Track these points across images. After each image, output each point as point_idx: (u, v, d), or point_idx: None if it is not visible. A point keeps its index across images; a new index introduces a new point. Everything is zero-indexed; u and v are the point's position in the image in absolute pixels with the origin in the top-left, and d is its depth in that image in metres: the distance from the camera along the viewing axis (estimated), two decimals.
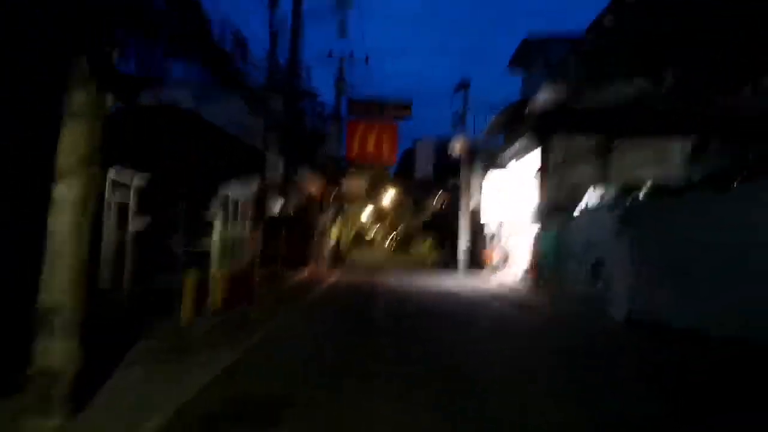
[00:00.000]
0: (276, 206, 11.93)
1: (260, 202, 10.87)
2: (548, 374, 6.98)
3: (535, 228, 22.03)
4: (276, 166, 10.94)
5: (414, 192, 46.19)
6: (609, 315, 11.64)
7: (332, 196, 24.98)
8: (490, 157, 25.50)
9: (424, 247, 50.78)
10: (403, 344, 8.50)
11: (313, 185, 19.78)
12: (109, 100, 4.37)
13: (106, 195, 7.36)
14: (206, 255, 9.89)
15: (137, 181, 8.31)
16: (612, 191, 13.38)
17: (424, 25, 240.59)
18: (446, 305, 13.88)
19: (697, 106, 13.04)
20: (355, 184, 25.78)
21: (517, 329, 10.91)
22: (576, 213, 14.85)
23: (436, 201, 38.18)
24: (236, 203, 10.91)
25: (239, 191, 10.89)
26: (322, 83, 23.13)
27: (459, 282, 22.40)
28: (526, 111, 18.72)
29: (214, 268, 9.90)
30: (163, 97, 9.51)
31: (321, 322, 10.35)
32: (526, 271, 20.23)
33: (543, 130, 18.81)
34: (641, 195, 12.25)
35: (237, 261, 11.02)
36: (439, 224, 36.36)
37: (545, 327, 11.37)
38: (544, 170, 19.14)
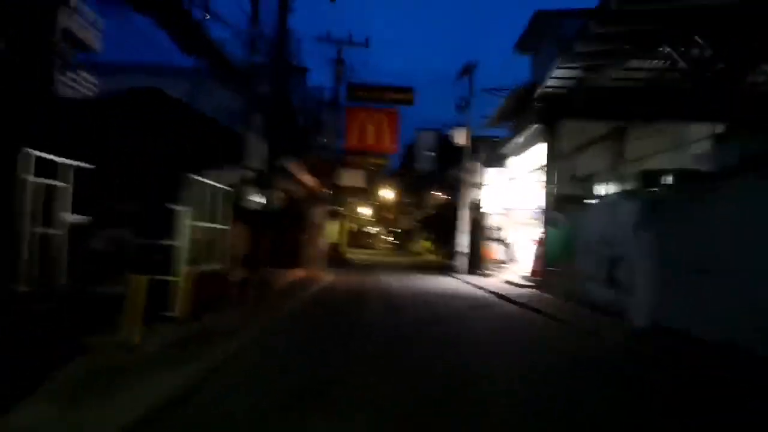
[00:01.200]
0: (260, 198, 10.55)
1: (241, 194, 9.53)
2: (574, 410, 5.67)
3: (542, 222, 20.76)
4: (259, 153, 9.58)
5: (414, 187, 44.84)
6: (629, 321, 10.32)
7: (329, 189, 23.63)
8: (495, 148, 24.14)
9: (424, 245, 49.54)
10: (395, 369, 7.18)
11: (306, 177, 18.42)
12: None
13: (28, 180, 6.03)
14: (172, 253, 8.58)
15: (70, 166, 6.98)
16: (630, 179, 12.06)
17: (426, 8, 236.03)
18: (447, 314, 12.54)
19: (725, 85, 11.67)
20: (353, 177, 24.38)
21: (527, 341, 9.58)
22: (592, 202, 13.51)
23: (439, 194, 36.80)
24: (213, 195, 9.57)
25: (216, 181, 9.56)
26: (319, 72, 21.69)
27: (459, 282, 21.07)
28: (535, 95, 17.36)
29: (182, 269, 8.58)
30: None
31: (302, 336, 8.96)
32: (532, 270, 18.88)
33: (552, 114, 17.46)
34: (665, 182, 10.93)
35: (211, 260, 9.70)
36: (440, 220, 35.00)
37: (559, 338, 10.02)
38: (552, 159, 17.79)
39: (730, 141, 10.38)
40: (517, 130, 21.96)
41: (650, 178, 11.51)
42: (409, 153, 45.36)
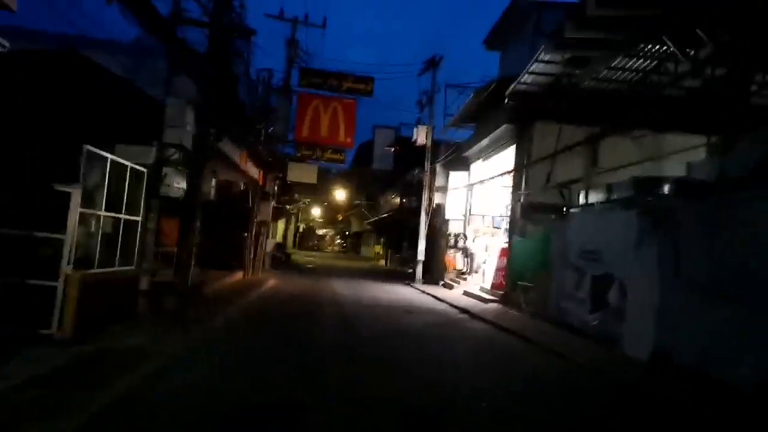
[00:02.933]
0: (180, 183, 8.43)
1: (162, 178, 7.43)
2: None
3: (507, 231, 19.38)
4: (182, 124, 7.51)
5: (368, 189, 43.04)
6: (620, 350, 8.83)
7: (276, 184, 21.42)
8: (458, 151, 22.61)
9: (376, 250, 47.81)
10: (347, 412, 5.33)
11: (251, 168, 16.29)
12: None
13: None
14: (55, 250, 6.43)
15: None
16: (623, 186, 10.63)
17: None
18: (409, 332, 10.74)
19: (727, 90, 10.41)
20: (304, 171, 22.19)
21: (509, 373, 7.89)
22: (572, 211, 12.05)
23: (395, 197, 35.13)
24: (119, 176, 7.44)
25: (124, 158, 7.43)
26: (268, 57, 19.48)
27: (417, 293, 19.38)
28: (507, 92, 15.87)
29: (67, 269, 6.44)
30: None
31: (229, 362, 6.95)
32: (494, 282, 17.38)
33: (524, 114, 16.03)
34: (667, 191, 9.52)
35: (115, 260, 7.55)
36: (396, 224, 33.34)
37: (545, 369, 8.38)
38: (522, 163, 16.34)
39: (738, 149, 9.07)
40: (482, 132, 20.49)
41: (644, 186, 10.09)
42: (363, 153, 43.54)
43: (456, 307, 15.17)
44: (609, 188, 11.25)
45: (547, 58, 13.30)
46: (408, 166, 29.78)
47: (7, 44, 16.78)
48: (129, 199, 7.75)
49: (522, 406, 5.97)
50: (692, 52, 10.71)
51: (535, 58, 13.61)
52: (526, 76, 14.58)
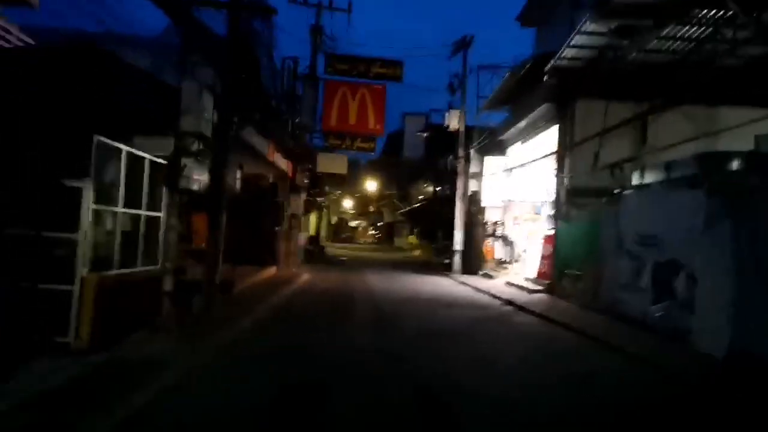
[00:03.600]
0: (202, 175, 7.82)
1: (175, 168, 6.83)
2: None
3: (552, 217, 18.44)
4: (200, 110, 6.90)
5: (400, 178, 42.27)
6: (691, 347, 7.92)
7: (306, 176, 20.83)
8: (493, 135, 21.65)
9: (410, 241, 47.09)
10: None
11: (280, 159, 15.74)
12: None
13: None
14: (70, 251, 5.91)
15: None
16: (685, 164, 9.64)
17: None
18: (454, 329, 9.99)
19: None
20: (334, 162, 21.52)
21: (561, 374, 7.09)
22: (626, 193, 11.07)
23: (427, 186, 34.31)
24: (136, 169, 6.89)
25: (142, 150, 6.89)
26: (291, 44, 18.80)
27: (456, 284, 18.60)
28: (546, 68, 14.87)
29: (82, 271, 5.91)
30: None
31: (251, 376, 6.27)
32: (539, 271, 16.48)
33: (566, 91, 15.02)
34: (738, 166, 8.52)
35: (136, 261, 7.03)
36: (430, 214, 32.53)
37: (602, 370, 7.55)
38: (565, 145, 15.35)
39: None
40: (518, 114, 19.49)
41: (711, 162, 9.09)
42: (392, 142, 42.71)
43: (499, 298, 14.35)
44: (668, 167, 10.26)
45: (591, 28, 12.29)
46: (440, 153, 28.90)
47: (31, 42, 16.39)
48: (149, 194, 7.21)
49: (594, 417, 5.20)
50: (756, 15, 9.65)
51: (578, 29, 12.61)
52: (568, 50, 13.58)
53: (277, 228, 18.81)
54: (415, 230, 43.21)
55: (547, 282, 15.49)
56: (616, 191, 12.18)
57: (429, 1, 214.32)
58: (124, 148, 6.43)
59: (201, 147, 6.78)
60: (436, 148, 28.19)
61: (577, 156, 14.87)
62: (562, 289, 14.15)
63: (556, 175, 15.72)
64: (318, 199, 30.33)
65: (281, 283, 15.28)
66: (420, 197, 36.54)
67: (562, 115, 15.56)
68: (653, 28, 11.26)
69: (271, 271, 17.35)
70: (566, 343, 9.00)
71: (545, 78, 15.18)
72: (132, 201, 6.97)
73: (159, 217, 7.31)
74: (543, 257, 16.53)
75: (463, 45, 21.41)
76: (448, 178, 26.15)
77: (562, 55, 13.88)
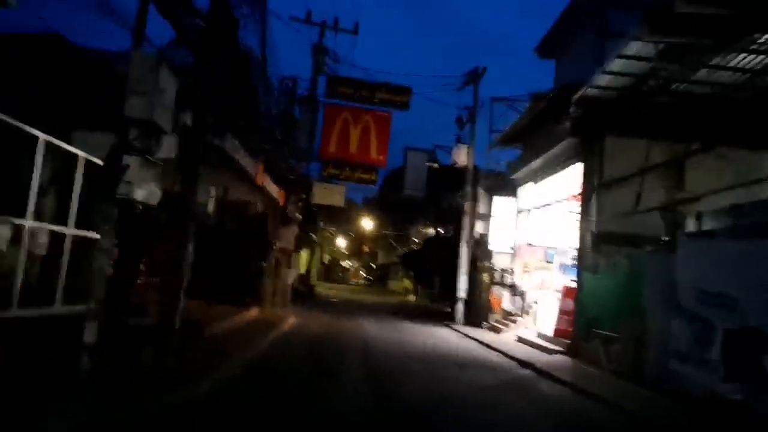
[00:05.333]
0: (150, 184, 5.79)
1: (113, 170, 4.92)
2: None
3: (575, 266, 16.61)
4: (154, 91, 4.97)
5: (398, 217, 40.45)
6: None
7: (299, 207, 18.93)
8: (502, 176, 19.98)
9: (404, 283, 44.97)
10: None
11: (268, 183, 13.91)
12: None
13: None
14: None
15: None
16: (759, 207, 7.85)
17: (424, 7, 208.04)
18: (461, 398, 8.03)
19: None
20: (331, 193, 19.63)
21: None
22: (684, 240, 9.19)
23: (427, 227, 32.52)
24: (67, 170, 4.99)
25: (87, 149, 5.03)
26: (291, 64, 17.32)
27: (461, 337, 16.55)
28: (573, 100, 13.26)
29: None
30: None
31: None
32: (557, 328, 14.48)
33: (594, 125, 13.38)
34: None
35: (55, 297, 5.03)
36: (428, 256, 30.60)
37: None
38: (591, 185, 13.60)
39: None
40: (533, 151, 17.82)
41: None
42: (391, 180, 41.02)
43: (514, 358, 12.31)
44: (735, 211, 8.48)
45: (633, 50, 10.70)
46: (443, 193, 27.17)
47: None
48: (84, 207, 5.30)
49: None
50: None
51: (616, 53, 11.02)
52: (602, 76, 11.98)
53: (263, 263, 16.81)
54: (411, 273, 41.15)
55: (567, 341, 13.49)
56: (661, 240, 10.37)
57: (438, 31, 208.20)
58: (41, 136, 4.56)
59: (155, 143, 4.95)
60: (440, 186, 26.49)
61: (606, 197, 13.13)
62: (588, 352, 12.12)
63: (580, 219, 13.91)
64: (311, 234, 28.38)
65: (263, 326, 13.19)
66: (418, 239, 34.69)
67: (588, 152, 13.87)
68: (713, 50, 9.68)
69: (253, 312, 15.26)
70: (612, 428, 6.99)
71: (571, 109, 13.54)
72: (59, 214, 5.07)
73: (92, 237, 5.38)
74: (561, 312, 14.56)
75: (475, 76, 19.98)
76: (451, 218, 24.37)
77: (594, 83, 12.28)
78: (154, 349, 6.65)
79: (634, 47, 10.70)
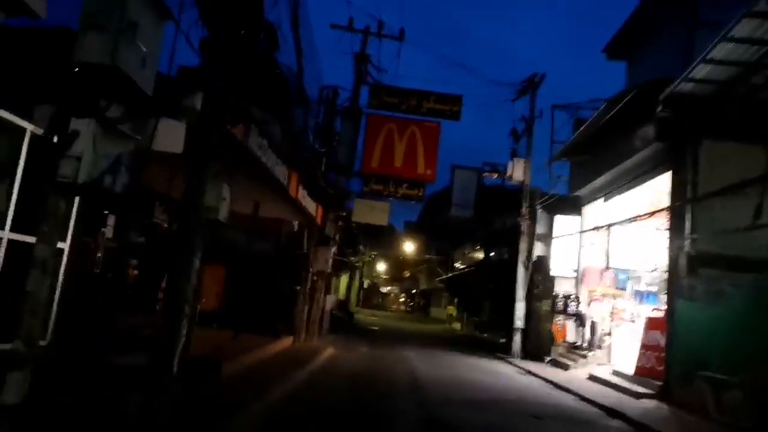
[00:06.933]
0: (117, 170, 4.03)
1: (56, 137, 3.32)
2: None
3: (651, 293, 14.40)
4: (119, 21, 3.29)
5: (441, 243, 38.43)
6: None
7: (339, 227, 17.26)
8: (563, 197, 17.91)
9: (448, 311, 42.69)
10: None
11: (303, 197, 12.33)
12: None
13: None
14: None
15: None
16: None
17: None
18: None
19: None
20: (372, 210, 17.80)
21: None
22: None
23: (474, 251, 30.46)
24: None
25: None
26: (333, 74, 15.99)
27: (521, 374, 14.42)
28: (661, 98, 11.25)
29: None
30: None
31: None
32: (639, 366, 12.25)
33: (687, 128, 11.32)
34: None
35: None
36: (475, 282, 28.49)
37: None
38: (683, 199, 11.46)
39: None
40: (600, 165, 15.73)
41: None
42: (433, 204, 39.10)
43: (596, 404, 10.16)
44: None
45: (745, 31, 8.73)
46: (493, 215, 25.18)
47: None
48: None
49: None
50: None
51: (723, 33, 9.02)
52: (700, 66, 9.97)
53: (297, 288, 15.15)
54: (456, 300, 38.91)
55: (654, 382, 11.26)
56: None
57: (489, 35, 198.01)
58: None
59: (125, 109, 3.33)
60: (490, 208, 24.52)
61: (703, 212, 10.97)
62: (688, 398, 9.87)
63: (670, 238, 11.74)
64: (351, 258, 26.70)
65: (295, 360, 11.43)
66: (465, 263, 32.53)
67: (679, 160, 11.74)
68: None
69: (286, 342, 13.54)
70: None
71: (658, 109, 11.50)
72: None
73: (48, 250, 3.73)
74: (644, 347, 12.34)
75: (531, 84, 18.12)
76: (503, 241, 22.33)
77: (690, 75, 10.27)
78: (150, 396, 4.95)
79: (746, 27, 8.74)
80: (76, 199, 4.79)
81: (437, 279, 42.54)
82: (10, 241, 4.43)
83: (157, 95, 4.55)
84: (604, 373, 13.35)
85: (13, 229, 4.43)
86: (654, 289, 14.57)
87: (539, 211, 18.84)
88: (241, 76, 5.86)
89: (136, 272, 10.98)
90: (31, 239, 3.86)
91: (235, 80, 5.73)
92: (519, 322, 17.50)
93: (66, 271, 5.02)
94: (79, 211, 5.53)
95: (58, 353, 5.21)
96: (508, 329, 18.40)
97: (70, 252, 5.03)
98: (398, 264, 51.95)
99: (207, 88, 5.67)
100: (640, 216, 13.55)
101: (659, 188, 12.96)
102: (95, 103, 3.20)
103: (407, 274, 54.07)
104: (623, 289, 15.93)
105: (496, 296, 24.02)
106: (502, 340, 19.03)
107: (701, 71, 10.15)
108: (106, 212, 7.73)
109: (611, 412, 9.50)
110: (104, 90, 3.47)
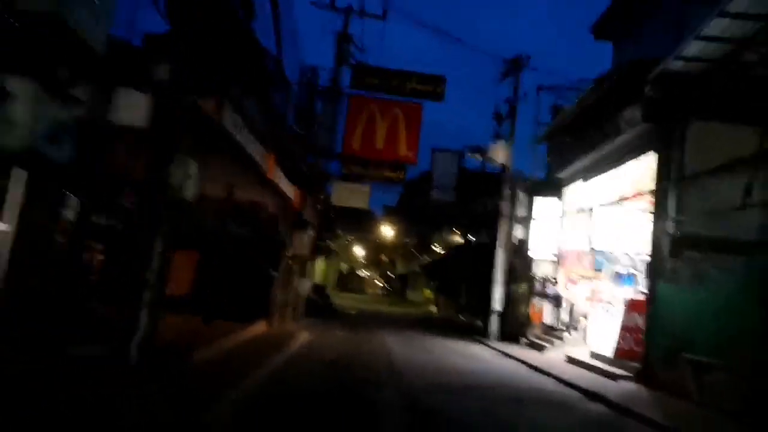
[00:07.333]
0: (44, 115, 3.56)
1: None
2: None
3: (629, 275, 14.29)
4: None
5: (419, 227, 38.23)
6: None
7: (317, 211, 16.83)
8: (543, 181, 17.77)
9: (425, 294, 42.71)
10: None
11: (280, 179, 11.89)
12: None
13: None
14: None
15: None
16: None
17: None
18: None
19: None
20: (353, 193, 17.37)
21: None
22: None
23: (453, 235, 30.36)
24: None
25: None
26: (314, 53, 15.47)
27: (499, 356, 14.31)
28: (650, 78, 11.02)
29: None
30: None
31: None
32: (619, 348, 12.17)
33: (674, 107, 11.12)
34: None
35: None
36: (453, 265, 28.39)
37: None
38: (669, 179, 11.33)
39: None
40: (582, 146, 15.56)
41: None
42: (412, 188, 38.82)
43: (574, 386, 10.04)
44: None
45: (743, 6, 8.48)
46: (473, 198, 24.98)
47: None
48: None
49: None
50: None
51: (718, 11, 8.75)
52: (693, 44, 9.71)
53: (273, 272, 14.74)
54: (433, 283, 38.88)
55: (634, 365, 11.20)
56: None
57: (473, 17, 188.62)
58: None
59: (75, 73, 2.85)
60: (470, 192, 24.32)
61: (689, 193, 10.84)
62: (670, 380, 9.81)
63: (654, 220, 11.62)
64: (329, 242, 26.29)
65: (269, 346, 11.06)
66: (444, 246, 32.43)
67: (666, 140, 11.58)
68: None
69: (259, 327, 13.15)
70: None
71: (646, 89, 11.29)
72: None
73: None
74: (625, 329, 12.24)
75: (515, 66, 17.80)
76: (483, 223, 22.16)
77: (682, 53, 10.01)
78: (81, 399, 4.53)
79: (743, 1, 8.48)
80: (22, 175, 4.33)
81: (417, 263, 42.45)
82: None
83: (119, 63, 4.10)
84: (582, 355, 13.27)
85: None
86: (633, 271, 14.53)
87: (520, 194, 18.67)
88: (213, 42, 5.42)
89: (101, 257, 10.45)
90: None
91: (205, 46, 5.30)
92: (497, 304, 17.39)
93: (13, 255, 4.57)
94: (31, 190, 5.08)
95: (3, 346, 4.77)
96: (486, 312, 18.30)
97: (17, 234, 4.57)
98: (376, 248, 51.71)
99: (174, 55, 5.21)
100: (625, 197, 13.45)
101: (641, 170, 12.80)
102: (36, 60, 2.77)
103: (385, 258, 53.90)
104: (600, 270, 15.88)
105: (474, 280, 23.91)
106: (479, 323, 18.93)
107: (693, 48, 9.91)
108: (66, 192, 7.23)
109: (590, 394, 9.36)
110: (48, 46, 3.03)
